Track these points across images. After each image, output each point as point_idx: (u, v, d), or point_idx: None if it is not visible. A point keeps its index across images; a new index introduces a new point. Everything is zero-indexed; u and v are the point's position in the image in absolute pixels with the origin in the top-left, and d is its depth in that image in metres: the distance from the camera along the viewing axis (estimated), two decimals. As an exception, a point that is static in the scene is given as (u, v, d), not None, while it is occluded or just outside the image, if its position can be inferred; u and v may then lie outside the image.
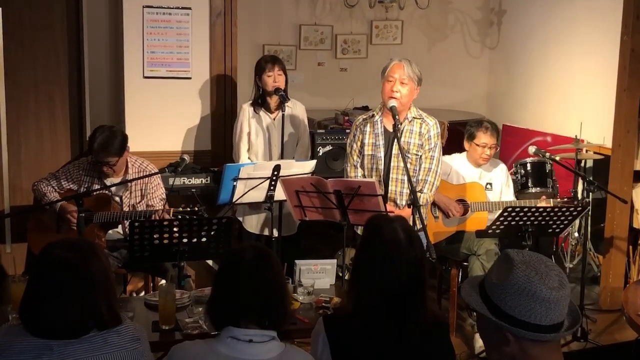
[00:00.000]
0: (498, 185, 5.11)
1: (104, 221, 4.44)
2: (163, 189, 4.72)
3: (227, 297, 2.41)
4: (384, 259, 2.56)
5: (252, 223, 5.10)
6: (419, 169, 4.37)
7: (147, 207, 4.58)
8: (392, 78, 4.28)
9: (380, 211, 3.93)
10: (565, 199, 4.96)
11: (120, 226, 4.62)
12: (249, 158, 5.05)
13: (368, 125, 4.41)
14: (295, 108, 5.15)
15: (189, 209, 4.28)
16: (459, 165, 5.09)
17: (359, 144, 4.43)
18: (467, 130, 5.11)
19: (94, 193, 4.41)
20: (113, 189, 4.54)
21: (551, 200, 4.93)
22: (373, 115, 4.43)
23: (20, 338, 2.16)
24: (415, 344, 2.57)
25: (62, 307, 2.16)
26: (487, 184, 5.07)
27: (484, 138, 4.99)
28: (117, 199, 4.55)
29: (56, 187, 4.58)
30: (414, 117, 4.36)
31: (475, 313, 1.75)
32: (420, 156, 4.35)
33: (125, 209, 4.56)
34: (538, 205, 4.80)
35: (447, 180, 4.99)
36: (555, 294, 1.78)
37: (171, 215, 4.27)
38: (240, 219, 5.12)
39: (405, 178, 4.24)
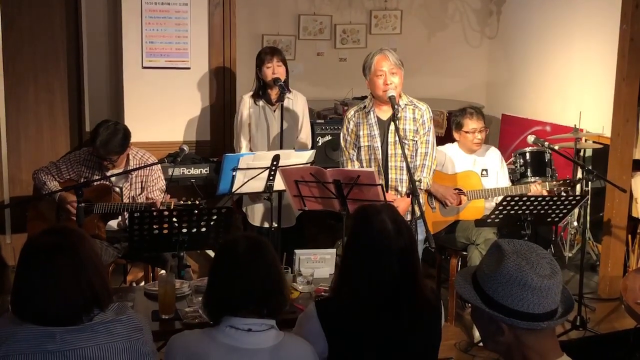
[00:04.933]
0: (493, 171, 5.12)
1: (104, 212, 4.45)
2: (163, 181, 4.72)
3: (223, 288, 2.41)
4: (373, 251, 2.56)
5: (256, 216, 5.11)
6: (416, 155, 4.38)
7: (146, 200, 4.58)
8: (381, 72, 4.28)
9: (379, 201, 3.93)
10: (561, 182, 4.96)
11: (120, 217, 4.63)
12: (250, 149, 5.05)
13: (361, 117, 4.42)
14: (296, 99, 5.15)
15: (189, 203, 4.28)
16: (453, 154, 5.10)
17: (353, 136, 4.44)
18: (453, 121, 5.13)
19: (94, 183, 4.42)
20: (113, 179, 4.54)
21: (546, 183, 4.93)
22: (364, 107, 4.44)
23: (22, 326, 2.16)
24: (407, 329, 2.60)
25: (60, 291, 2.16)
26: (482, 170, 5.08)
27: (472, 124, 5.01)
28: (117, 189, 4.56)
29: (56, 176, 4.58)
30: (406, 104, 4.38)
31: (469, 304, 1.77)
32: (416, 141, 4.37)
33: (126, 200, 4.57)
34: (532, 189, 4.81)
35: (442, 170, 5.00)
36: (547, 282, 1.79)
37: (172, 209, 4.27)
38: (244, 210, 5.13)
39: (404, 165, 4.25)
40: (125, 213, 4.50)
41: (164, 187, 4.69)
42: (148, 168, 4.61)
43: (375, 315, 2.56)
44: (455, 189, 4.94)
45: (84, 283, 2.19)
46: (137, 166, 4.58)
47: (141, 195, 4.62)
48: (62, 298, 2.16)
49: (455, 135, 5.10)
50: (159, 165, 4.67)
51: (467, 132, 5.01)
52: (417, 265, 2.65)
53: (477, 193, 4.93)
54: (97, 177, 4.50)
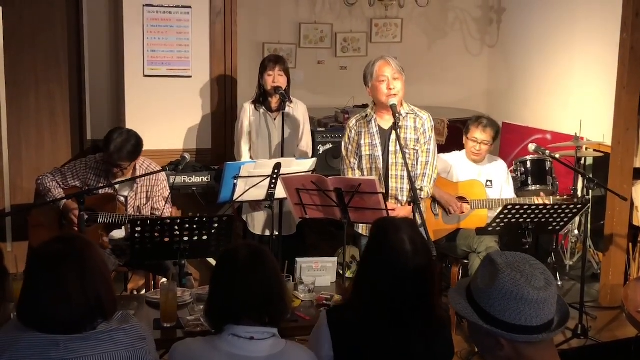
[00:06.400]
0: (498, 183, 5.12)
1: (109, 222, 4.43)
2: (169, 190, 4.72)
3: (224, 296, 2.42)
4: (388, 269, 2.54)
5: (257, 224, 5.11)
6: (417, 164, 4.39)
7: (152, 210, 4.57)
8: (384, 77, 4.30)
9: (381, 209, 3.93)
10: (565, 197, 4.97)
11: (123, 227, 4.61)
12: (250, 157, 5.06)
13: (362, 125, 4.43)
14: (297, 108, 5.15)
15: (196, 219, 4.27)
16: (458, 162, 5.11)
17: (354, 145, 4.45)
18: (466, 125, 5.15)
19: (99, 191, 4.41)
20: (117, 187, 4.53)
21: (550, 197, 4.94)
22: (366, 116, 4.45)
23: (27, 334, 2.16)
24: (415, 344, 2.59)
25: (65, 299, 2.16)
26: (487, 181, 5.09)
27: (477, 133, 5.03)
28: (122, 198, 4.55)
29: (61, 183, 4.56)
30: (407, 113, 4.39)
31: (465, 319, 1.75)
32: (417, 150, 4.38)
33: (130, 209, 4.55)
34: (536, 202, 4.81)
35: (447, 178, 5.01)
36: (543, 294, 1.79)
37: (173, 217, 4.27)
38: (244, 218, 5.13)
39: (405, 174, 4.26)
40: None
41: (169, 196, 4.68)
42: (154, 179, 4.60)
43: (383, 329, 2.55)
44: (459, 198, 4.95)
45: (90, 291, 2.19)
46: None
47: (146, 206, 4.61)
48: (67, 306, 2.16)
49: (464, 138, 5.13)
50: (165, 175, 4.67)
51: (469, 139, 5.04)
52: (432, 284, 2.62)
53: (480, 202, 4.94)
54: (101, 185, 4.48)
